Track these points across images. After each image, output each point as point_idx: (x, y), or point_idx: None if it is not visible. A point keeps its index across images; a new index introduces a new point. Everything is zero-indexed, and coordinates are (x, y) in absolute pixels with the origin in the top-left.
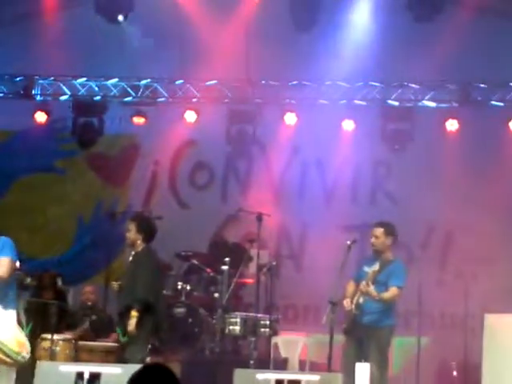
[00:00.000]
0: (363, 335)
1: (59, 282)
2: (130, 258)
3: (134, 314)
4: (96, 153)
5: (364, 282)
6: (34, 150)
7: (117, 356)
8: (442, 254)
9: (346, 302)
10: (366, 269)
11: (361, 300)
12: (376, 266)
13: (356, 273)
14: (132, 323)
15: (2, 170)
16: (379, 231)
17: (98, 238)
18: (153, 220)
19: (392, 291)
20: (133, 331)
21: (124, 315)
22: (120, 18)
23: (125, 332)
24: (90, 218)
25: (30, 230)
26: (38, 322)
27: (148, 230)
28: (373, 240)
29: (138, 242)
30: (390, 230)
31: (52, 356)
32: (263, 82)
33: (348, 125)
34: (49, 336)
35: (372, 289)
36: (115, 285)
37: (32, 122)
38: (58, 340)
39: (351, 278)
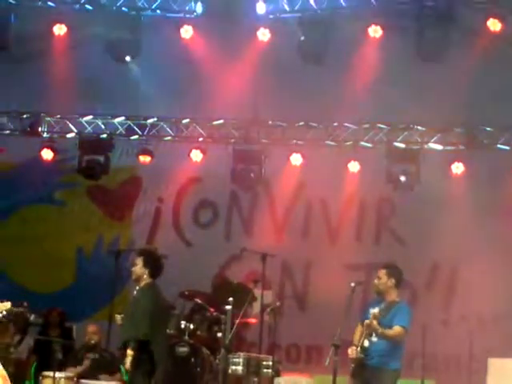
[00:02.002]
0: (369, 377)
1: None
2: (134, 293)
3: (129, 352)
4: (97, 185)
5: (368, 321)
6: (35, 181)
7: None
8: (447, 295)
9: (351, 350)
10: (371, 310)
11: (366, 343)
12: (377, 309)
13: (363, 315)
14: (127, 362)
15: (1, 201)
16: (382, 272)
17: (100, 273)
18: (160, 255)
19: (395, 329)
20: (129, 369)
21: (123, 352)
22: (127, 58)
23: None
24: (92, 252)
25: (29, 263)
26: (43, 360)
27: (154, 265)
28: (375, 281)
29: (144, 276)
30: (392, 272)
31: None
32: (270, 122)
33: (354, 166)
34: (50, 373)
35: (375, 323)
36: (118, 317)
37: (38, 159)
38: (59, 378)
39: (357, 320)
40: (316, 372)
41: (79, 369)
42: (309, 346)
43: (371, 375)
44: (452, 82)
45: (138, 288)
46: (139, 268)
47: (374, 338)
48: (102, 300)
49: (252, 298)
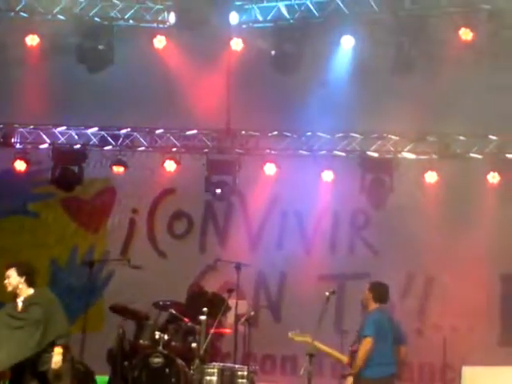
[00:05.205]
0: None
1: None
2: (21, 306)
3: (59, 350)
4: (71, 196)
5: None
6: (9, 193)
7: None
8: (421, 304)
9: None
10: None
11: None
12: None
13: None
14: (59, 360)
15: None
16: (366, 287)
17: (74, 284)
18: (33, 266)
19: (362, 342)
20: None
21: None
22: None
23: None
24: (66, 263)
25: (2, 274)
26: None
27: (29, 272)
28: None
29: (20, 286)
30: (372, 286)
31: None
32: (243, 132)
33: (328, 176)
34: None
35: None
36: None
37: (11, 170)
38: None
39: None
40: (291, 382)
41: None
42: (284, 356)
43: None
44: (425, 92)
45: (22, 299)
46: (13, 278)
47: None
48: (75, 311)
49: (226, 308)
